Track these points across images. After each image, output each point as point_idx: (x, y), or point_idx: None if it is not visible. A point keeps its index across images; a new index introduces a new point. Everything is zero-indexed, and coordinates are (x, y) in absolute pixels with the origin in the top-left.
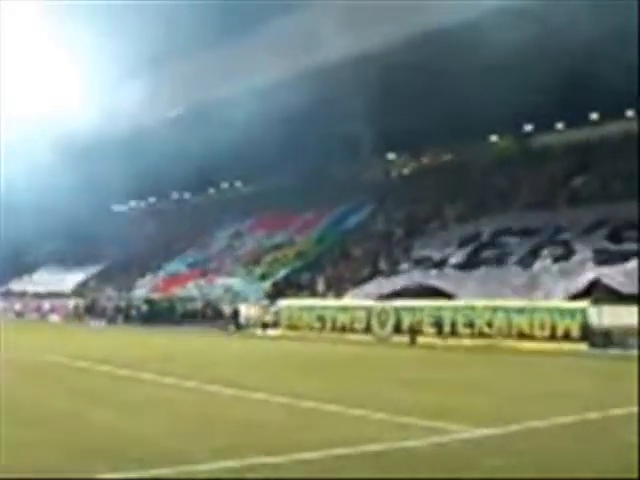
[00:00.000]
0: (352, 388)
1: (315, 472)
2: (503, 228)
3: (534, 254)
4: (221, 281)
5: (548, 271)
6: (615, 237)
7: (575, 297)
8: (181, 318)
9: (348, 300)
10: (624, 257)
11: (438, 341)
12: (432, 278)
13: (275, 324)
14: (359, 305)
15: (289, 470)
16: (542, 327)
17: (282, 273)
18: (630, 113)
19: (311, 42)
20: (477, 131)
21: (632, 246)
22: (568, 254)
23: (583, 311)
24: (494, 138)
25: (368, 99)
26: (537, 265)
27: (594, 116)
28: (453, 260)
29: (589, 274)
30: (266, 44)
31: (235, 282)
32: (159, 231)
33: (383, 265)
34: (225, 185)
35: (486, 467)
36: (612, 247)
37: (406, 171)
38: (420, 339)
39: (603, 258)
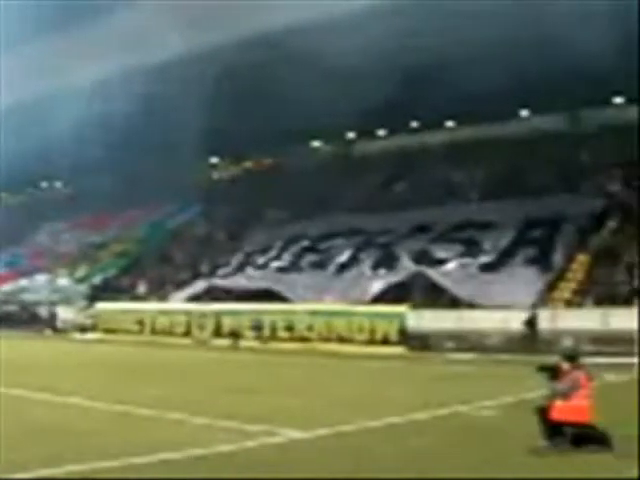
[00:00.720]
0: (171, 392)
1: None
2: (325, 232)
3: (355, 258)
4: (39, 283)
5: (369, 274)
6: (439, 240)
7: (396, 300)
8: None
9: (168, 303)
10: (446, 260)
11: (259, 345)
12: (256, 281)
13: (94, 327)
14: (179, 309)
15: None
16: (361, 331)
17: (102, 275)
18: (450, 123)
19: (138, 40)
20: (300, 136)
21: (457, 249)
22: (389, 258)
23: (401, 315)
24: (317, 144)
25: (194, 100)
26: (359, 268)
27: (414, 124)
28: (277, 263)
29: (405, 276)
30: (92, 41)
31: (53, 284)
32: None
33: (205, 268)
34: (44, 184)
35: (297, 469)
36: (436, 250)
37: (229, 175)
38: (241, 343)
39: (425, 260)
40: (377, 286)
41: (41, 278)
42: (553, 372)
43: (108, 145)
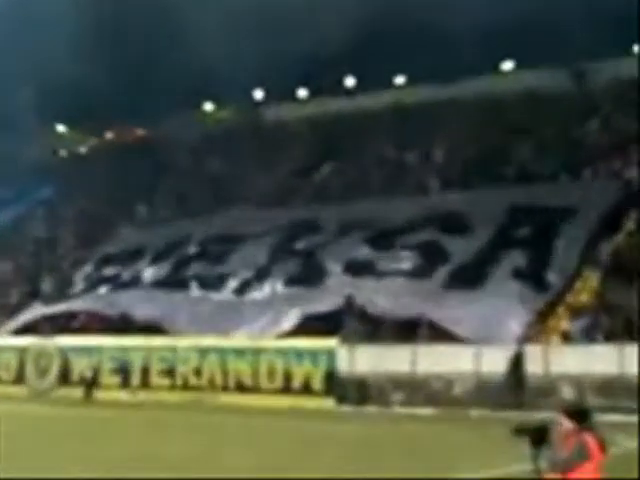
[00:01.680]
0: None
1: None
2: (217, 234)
3: (265, 271)
4: None
5: (281, 295)
6: (385, 245)
7: (320, 331)
8: None
9: None
10: (392, 271)
11: (125, 395)
12: (119, 304)
13: None
14: (6, 345)
15: None
16: (271, 376)
17: None
18: (400, 80)
19: None
20: (187, 97)
21: (411, 257)
22: (310, 266)
23: (328, 353)
24: (209, 107)
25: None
26: (266, 287)
27: (350, 82)
28: (148, 277)
29: (334, 297)
30: None
31: None
32: None
33: (47, 286)
34: None
35: None
36: (374, 256)
37: (82, 149)
38: (98, 393)
39: (364, 274)
40: (294, 315)
41: None
42: (538, 435)
43: None
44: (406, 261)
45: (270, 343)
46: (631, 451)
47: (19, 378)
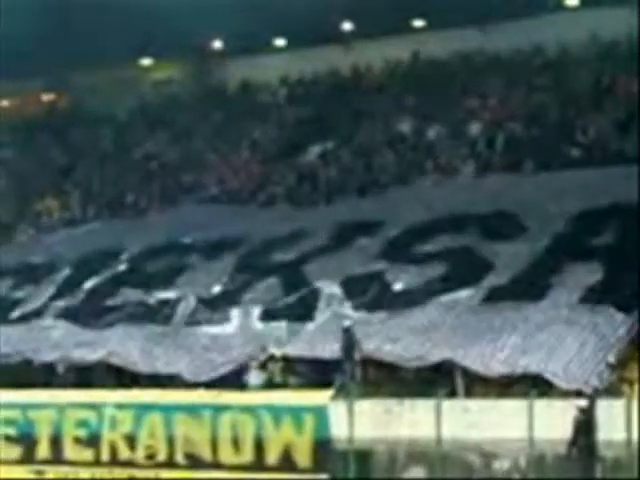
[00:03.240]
0: None
1: None
2: (159, 244)
3: (223, 293)
4: None
5: (252, 329)
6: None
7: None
8: None
9: None
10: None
11: (27, 473)
12: (16, 342)
13: None
14: None
15: None
16: (237, 445)
17: None
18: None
19: None
20: (114, 50)
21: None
22: (294, 287)
23: (319, 412)
24: (146, 62)
25: None
26: (231, 317)
27: (347, 27)
28: (58, 305)
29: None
30: None
31: None
32: None
33: None
34: None
35: None
36: (393, 272)
37: None
38: None
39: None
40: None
41: None
42: None
43: None
44: (426, 276)
45: (235, 398)
46: None
47: None
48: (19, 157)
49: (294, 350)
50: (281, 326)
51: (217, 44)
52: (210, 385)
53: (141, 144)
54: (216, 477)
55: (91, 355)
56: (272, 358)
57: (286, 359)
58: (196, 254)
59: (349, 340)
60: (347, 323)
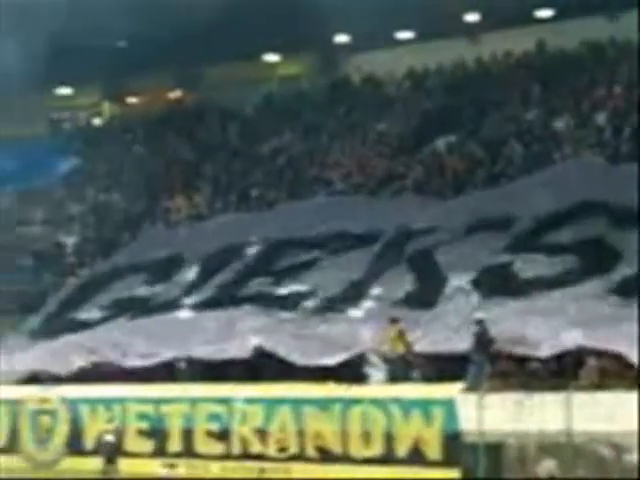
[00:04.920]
0: None
1: None
2: (287, 237)
3: (352, 286)
4: None
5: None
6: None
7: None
8: None
9: None
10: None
11: (158, 465)
12: (146, 334)
13: None
14: None
15: None
16: (366, 439)
17: None
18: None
19: None
20: (241, 46)
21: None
22: (424, 280)
23: (449, 405)
24: (273, 58)
25: None
26: (360, 309)
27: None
28: (194, 297)
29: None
30: None
31: None
32: None
33: (52, 306)
34: None
35: None
36: (520, 263)
37: (96, 120)
38: (123, 463)
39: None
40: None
41: None
42: None
43: None
44: (555, 266)
45: (365, 392)
46: None
47: (11, 444)
48: (149, 154)
49: (420, 343)
50: (408, 318)
51: (342, 38)
52: (333, 378)
53: (268, 139)
54: (345, 471)
55: (226, 349)
56: (395, 350)
57: (412, 352)
58: (324, 246)
59: (481, 332)
60: (479, 315)
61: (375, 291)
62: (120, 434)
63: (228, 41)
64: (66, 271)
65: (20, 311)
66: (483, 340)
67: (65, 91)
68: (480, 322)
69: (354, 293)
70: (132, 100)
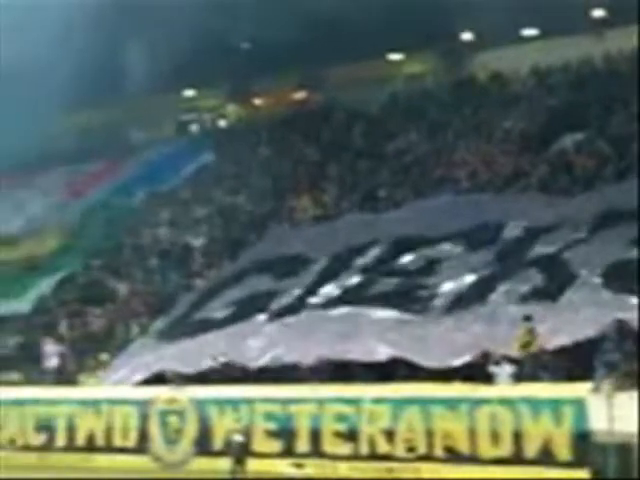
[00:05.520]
0: None
1: None
2: (411, 234)
3: (488, 284)
4: None
5: (509, 316)
6: None
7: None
8: None
9: (105, 388)
10: None
11: (286, 465)
12: (274, 337)
13: None
14: (124, 397)
15: None
16: (495, 438)
17: None
18: None
19: None
20: (365, 45)
21: None
22: (554, 275)
23: (578, 405)
24: (397, 57)
25: None
26: (487, 306)
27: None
28: (322, 295)
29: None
30: None
31: None
32: None
33: (182, 307)
34: None
35: None
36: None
37: (221, 122)
38: (251, 463)
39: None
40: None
41: None
42: None
43: None
44: None
45: (492, 390)
46: None
47: (141, 444)
48: (274, 155)
49: (550, 341)
50: (537, 316)
51: (467, 36)
52: (460, 378)
53: (393, 138)
54: (473, 472)
55: (351, 350)
56: (525, 349)
57: (541, 350)
58: (450, 244)
59: (618, 331)
60: (619, 315)
61: (502, 289)
62: (248, 434)
63: (352, 41)
64: (193, 272)
65: (148, 313)
66: (618, 339)
67: (191, 93)
68: (619, 322)
69: (481, 291)
70: (257, 101)
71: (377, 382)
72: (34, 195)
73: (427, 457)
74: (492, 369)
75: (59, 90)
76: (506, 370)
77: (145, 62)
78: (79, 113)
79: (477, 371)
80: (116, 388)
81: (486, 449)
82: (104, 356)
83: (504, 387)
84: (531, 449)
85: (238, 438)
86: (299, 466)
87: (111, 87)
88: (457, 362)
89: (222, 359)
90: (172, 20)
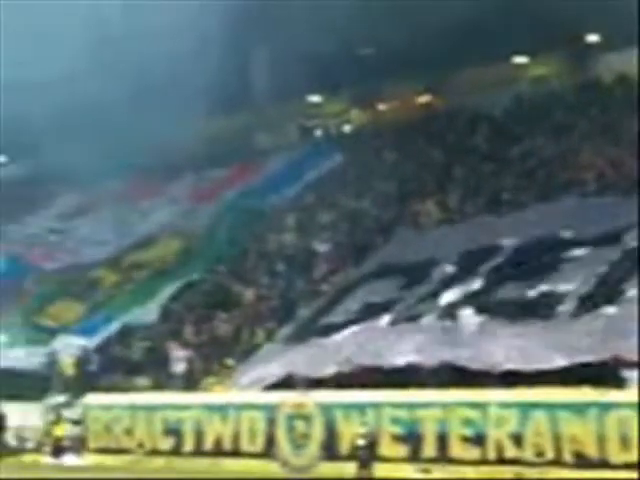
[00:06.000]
0: None
1: None
2: (539, 237)
3: (615, 287)
4: None
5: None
6: None
7: None
8: None
9: (231, 393)
10: None
11: (413, 470)
12: (398, 343)
13: (81, 444)
14: (251, 402)
15: None
16: (624, 444)
17: (105, 328)
18: None
19: None
20: (489, 49)
21: None
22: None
23: None
24: (522, 60)
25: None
26: (623, 309)
27: None
28: (447, 297)
29: None
30: None
31: None
32: None
33: (308, 312)
34: None
35: None
36: None
37: (345, 127)
38: (377, 468)
39: None
40: None
41: None
42: None
43: None
44: None
45: (622, 396)
46: None
47: (268, 449)
48: (399, 159)
49: None
50: None
51: (592, 38)
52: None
53: (518, 142)
54: (604, 476)
55: (478, 356)
56: None
57: None
58: (578, 247)
59: None
60: None
61: (630, 293)
62: (374, 439)
63: (477, 44)
64: (318, 278)
65: (274, 318)
66: None
67: (316, 99)
68: None
69: (607, 293)
70: (381, 106)
71: (502, 386)
72: (162, 202)
73: (555, 462)
74: (623, 373)
75: (192, 98)
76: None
77: (271, 69)
78: (207, 120)
79: (607, 375)
80: (243, 393)
81: (615, 454)
82: (229, 361)
83: (632, 391)
84: None
85: (364, 443)
86: (426, 471)
87: (238, 94)
88: (585, 366)
89: (348, 363)
90: (297, 27)
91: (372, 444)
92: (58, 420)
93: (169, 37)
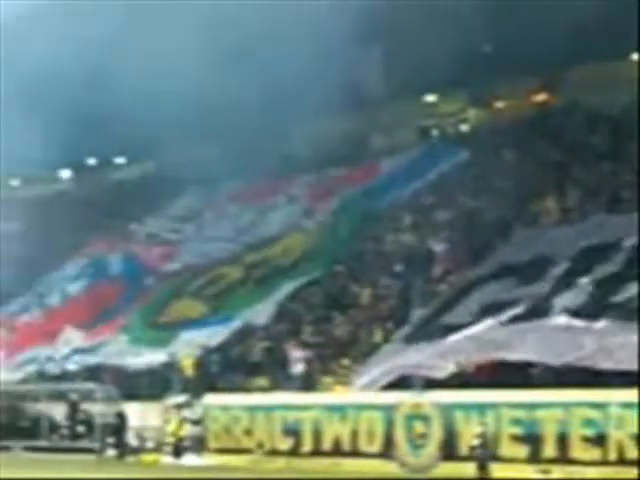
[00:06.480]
0: None
1: None
2: None
3: None
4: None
5: None
6: None
7: None
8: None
9: (350, 393)
10: None
11: (532, 471)
12: (516, 344)
13: (200, 444)
14: (369, 403)
15: None
16: None
17: (225, 327)
18: None
19: None
20: (607, 46)
21: None
22: None
23: None
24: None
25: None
26: None
27: None
28: (565, 300)
29: None
30: None
31: (117, 346)
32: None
33: (426, 312)
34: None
35: None
36: None
37: (463, 127)
38: (497, 468)
39: None
40: None
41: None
42: None
43: None
44: None
45: None
46: None
47: (387, 449)
48: (517, 158)
49: None
50: None
51: None
52: None
53: (636, 140)
54: None
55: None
56: None
57: None
58: None
59: None
60: None
61: None
62: (493, 439)
63: (595, 41)
64: (436, 277)
65: (391, 318)
66: None
67: (432, 98)
68: None
69: None
70: (498, 104)
71: (623, 387)
72: (280, 201)
73: None
74: None
75: (313, 99)
76: None
77: (386, 68)
78: (323, 120)
79: None
80: (362, 393)
81: None
82: (347, 361)
83: None
84: None
85: (482, 443)
86: (545, 472)
87: (353, 93)
88: None
89: (466, 363)
90: (412, 26)
91: (486, 443)
92: (178, 420)
93: (291, 40)
